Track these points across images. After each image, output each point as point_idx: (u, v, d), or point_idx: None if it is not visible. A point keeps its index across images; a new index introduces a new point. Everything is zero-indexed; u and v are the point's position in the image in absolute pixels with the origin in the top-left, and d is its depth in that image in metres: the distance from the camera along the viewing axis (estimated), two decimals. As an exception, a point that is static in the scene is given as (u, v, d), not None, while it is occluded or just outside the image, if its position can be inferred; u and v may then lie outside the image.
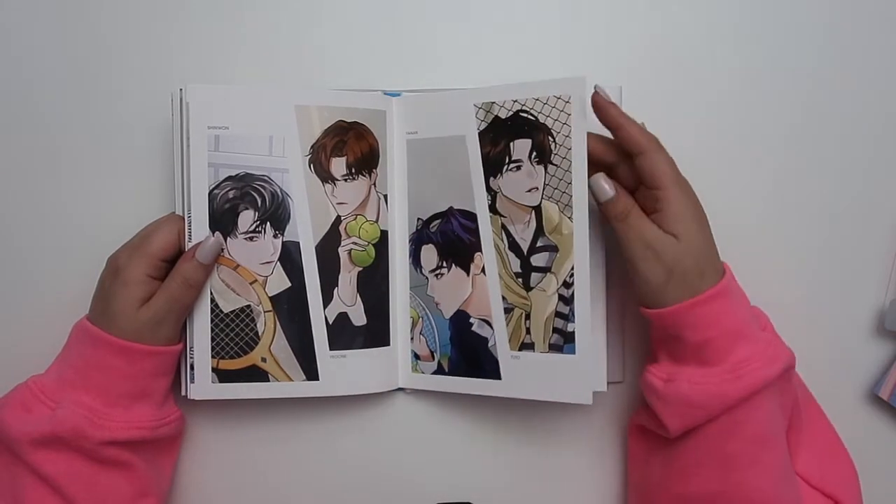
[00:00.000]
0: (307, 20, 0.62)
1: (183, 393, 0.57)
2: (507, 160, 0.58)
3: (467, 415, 0.61)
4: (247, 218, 0.57)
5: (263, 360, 0.58)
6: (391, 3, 0.62)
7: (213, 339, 0.57)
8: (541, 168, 0.57)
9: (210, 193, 0.56)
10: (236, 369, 0.57)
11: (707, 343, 0.51)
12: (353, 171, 0.59)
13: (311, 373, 0.58)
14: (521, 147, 0.57)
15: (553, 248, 0.57)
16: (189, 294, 0.55)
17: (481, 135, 0.58)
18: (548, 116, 0.56)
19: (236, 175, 0.57)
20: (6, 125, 0.62)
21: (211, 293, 0.57)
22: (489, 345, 0.58)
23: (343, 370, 0.58)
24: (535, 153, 0.57)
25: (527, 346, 0.57)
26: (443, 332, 0.60)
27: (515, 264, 0.58)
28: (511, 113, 0.57)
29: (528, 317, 0.57)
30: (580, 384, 0.56)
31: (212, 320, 0.57)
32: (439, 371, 0.60)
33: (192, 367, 0.57)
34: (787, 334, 0.59)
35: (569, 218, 0.56)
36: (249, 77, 0.62)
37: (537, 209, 0.57)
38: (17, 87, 0.62)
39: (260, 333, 0.58)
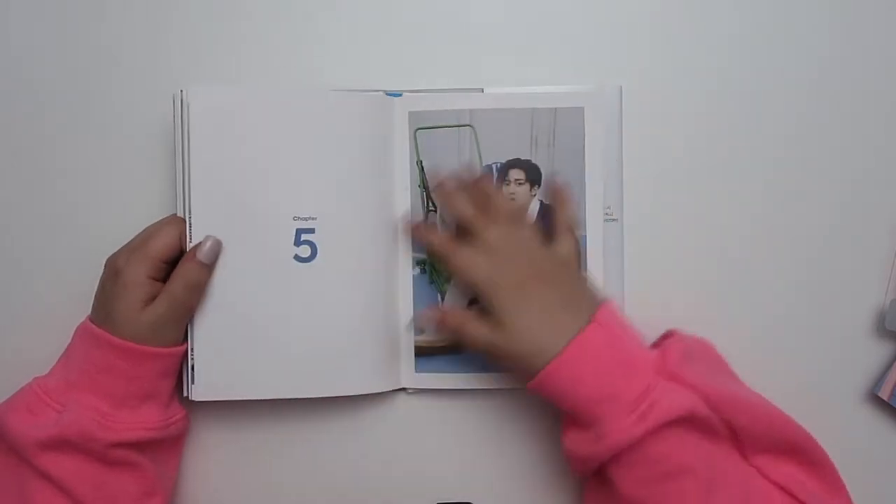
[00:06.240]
0: (308, 21, 0.62)
1: (185, 394, 0.57)
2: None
3: (469, 415, 0.61)
4: None
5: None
6: (392, 4, 0.62)
7: None
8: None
9: None
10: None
11: (572, 411, 0.52)
12: None
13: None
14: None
15: None
16: (192, 296, 0.55)
17: None
18: None
19: None
20: (6, 126, 0.62)
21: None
22: None
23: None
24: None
25: None
26: None
27: None
28: None
29: None
30: None
31: None
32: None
33: (192, 368, 0.57)
34: (787, 334, 0.60)
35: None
36: (250, 78, 0.62)
37: None
38: (18, 87, 0.62)
39: None
